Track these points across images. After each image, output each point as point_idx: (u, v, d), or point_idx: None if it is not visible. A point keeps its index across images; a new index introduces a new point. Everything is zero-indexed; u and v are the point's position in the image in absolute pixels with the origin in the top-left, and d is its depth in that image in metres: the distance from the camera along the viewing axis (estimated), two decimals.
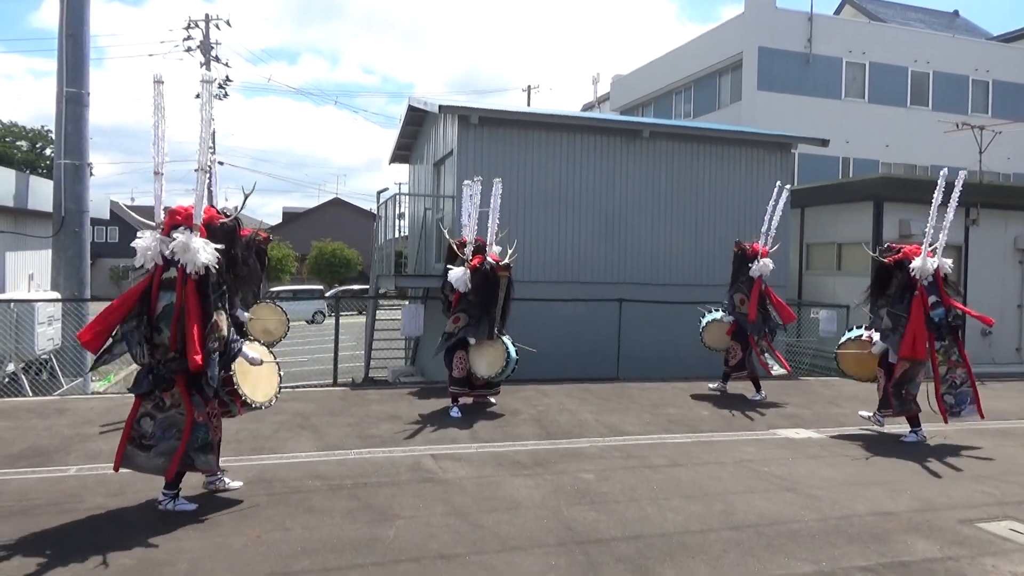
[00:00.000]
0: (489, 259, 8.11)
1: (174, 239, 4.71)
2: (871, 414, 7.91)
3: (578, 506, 5.11)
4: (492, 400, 8.60)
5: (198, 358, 4.56)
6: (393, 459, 6.26)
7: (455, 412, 8.09)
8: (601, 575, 3.98)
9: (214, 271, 4.79)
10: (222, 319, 4.87)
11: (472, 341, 8.06)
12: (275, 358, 5.65)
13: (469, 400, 8.46)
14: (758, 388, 9.67)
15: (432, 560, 4.11)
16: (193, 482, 5.29)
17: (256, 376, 5.31)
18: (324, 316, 31.81)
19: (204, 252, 4.73)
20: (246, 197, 5.33)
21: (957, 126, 15.38)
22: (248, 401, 5.18)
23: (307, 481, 5.54)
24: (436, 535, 4.49)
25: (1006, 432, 8.17)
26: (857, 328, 8.27)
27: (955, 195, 7.49)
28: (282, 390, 5.71)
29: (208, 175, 5.04)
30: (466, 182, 8.91)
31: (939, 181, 7.55)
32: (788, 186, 10.19)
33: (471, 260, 8.12)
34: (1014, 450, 7.29)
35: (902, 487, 5.82)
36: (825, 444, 7.30)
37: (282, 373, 5.72)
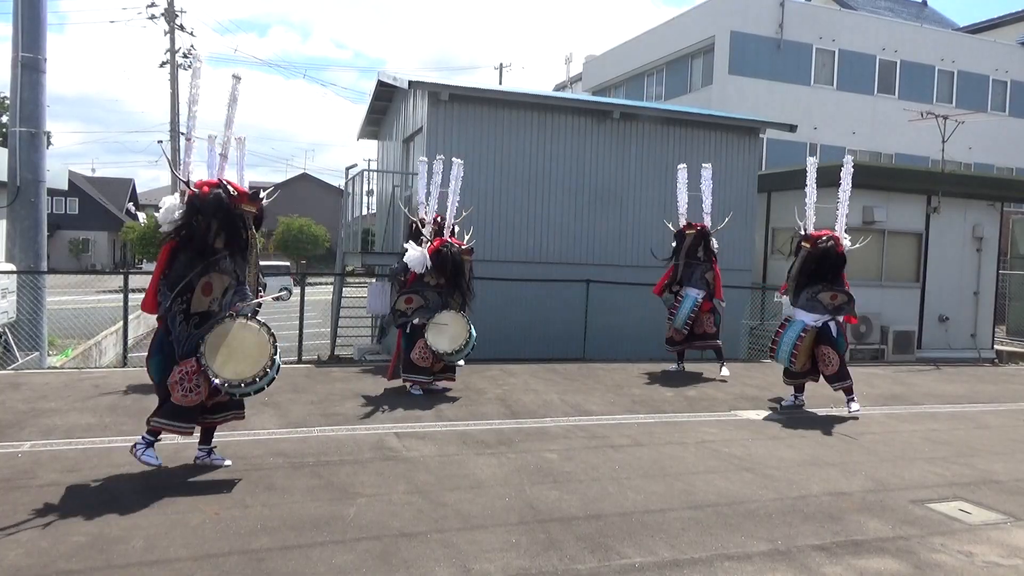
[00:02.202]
0: (451, 242, 8.05)
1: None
2: (849, 405, 7.94)
3: (541, 485, 5.14)
4: (448, 385, 8.26)
5: (145, 306, 5.00)
6: (356, 437, 6.23)
7: (416, 390, 8.02)
8: (562, 553, 4.01)
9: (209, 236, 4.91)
10: (215, 284, 4.98)
11: (418, 322, 7.89)
12: (270, 337, 4.98)
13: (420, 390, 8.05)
14: (721, 360, 10.03)
15: (393, 538, 4.10)
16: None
17: (234, 350, 4.89)
18: (290, 293, 31.41)
19: (168, 212, 4.95)
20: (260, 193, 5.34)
21: (922, 115, 15.62)
22: (210, 372, 4.77)
23: (268, 458, 5.49)
24: (398, 513, 4.48)
25: (957, 416, 8.40)
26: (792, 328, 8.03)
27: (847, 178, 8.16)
28: (269, 378, 4.93)
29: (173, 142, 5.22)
30: (421, 158, 8.82)
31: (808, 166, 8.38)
32: (708, 164, 10.17)
33: (431, 242, 8.05)
34: (965, 433, 7.50)
35: (856, 468, 5.96)
36: (784, 425, 7.43)
37: (275, 359, 4.93)
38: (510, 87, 20.10)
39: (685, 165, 10.21)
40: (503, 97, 12.22)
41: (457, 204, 8.48)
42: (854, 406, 7.91)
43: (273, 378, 5.01)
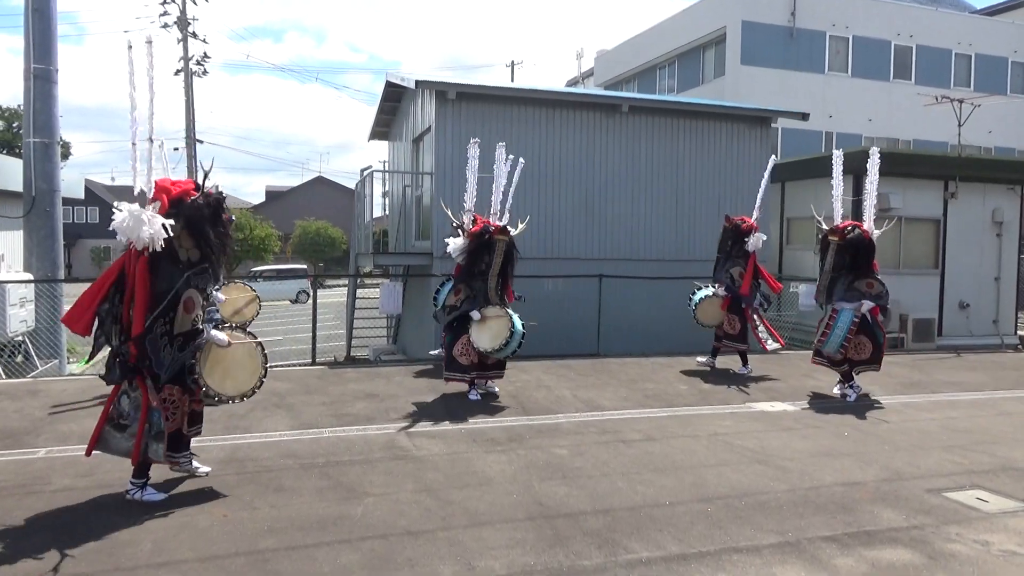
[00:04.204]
0: (490, 225, 7.77)
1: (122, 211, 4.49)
2: (842, 387, 8.27)
3: (550, 481, 5.12)
4: (496, 388, 8.06)
5: (132, 346, 4.48)
6: (367, 437, 6.25)
7: (475, 394, 7.74)
8: (568, 549, 3.99)
9: (179, 247, 4.59)
10: (196, 300, 4.67)
11: (476, 316, 7.57)
12: (260, 346, 4.95)
13: (465, 385, 7.88)
14: (745, 362, 9.73)
15: (399, 537, 4.10)
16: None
17: (230, 365, 4.79)
18: (308, 295, 31.63)
19: (148, 226, 4.43)
20: (206, 174, 4.95)
21: (937, 99, 15.37)
22: (211, 393, 4.69)
23: (279, 460, 5.52)
24: (405, 512, 4.48)
25: (978, 403, 8.26)
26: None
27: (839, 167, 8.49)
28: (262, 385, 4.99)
29: (152, 145, 4.76)
30: (500, 145, 8.28)
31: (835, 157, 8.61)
32: (774, 157, 10.30)
33: (471, 228, 7.78)
34: (985, 420, 7.37)
35: (872, 457, 5.87)
36: (799, 416, 7.35)
37: (267, 365, 5.02)
38: (517, 83, 20.06)
39: (775, 156, 10.18)
40: (511, 94, 12.19)
41: (502, 191, 8.15)
42: (851, 394, 8.13)
43: (263, 383, 4.99)
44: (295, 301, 31.86)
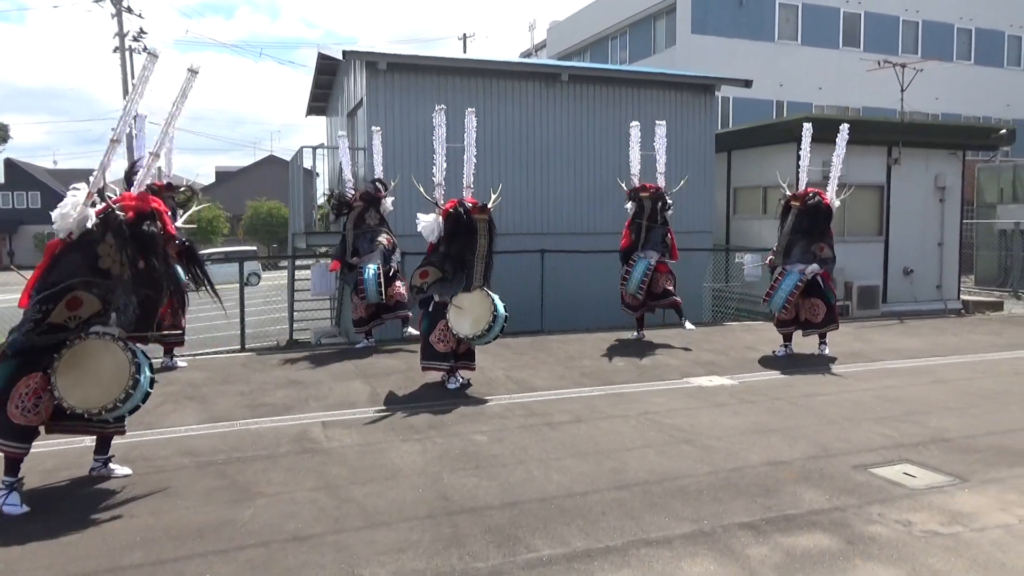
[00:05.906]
0: (466, 202, 7.20)
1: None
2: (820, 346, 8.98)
3: (461, 471, 4.82)
4: (467, 374, 7.44)
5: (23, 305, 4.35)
6: (278, 429, 5.89)
7: (453, 383, 7.16)
8: (464, 549, 3.70)
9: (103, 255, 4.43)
10: (85, 302, 4.35)
11: (457, 305, 6.94)
12: (134, 367, 4.34)
13: (440, 375, 7.27)
14: (682, 314, 9.95)
15: (283, 543, 3.77)
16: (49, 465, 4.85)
17: (87, 374, 4.28)
18: (259, 278, 30.92)
19: (69, 216, 4.44)
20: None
21: (879, 64, 15.27)
22: (55, 394, 4.20)
23: (175, 459, 5.14)
24: (297, 514, 4.15)
25: (915, 371, 8.16)
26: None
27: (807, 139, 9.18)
28: (132, 404, 4.45)
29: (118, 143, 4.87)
30: (438, 108, 7.85)
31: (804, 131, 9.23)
32: (663, 122, 10.26)
33: (444, 204, 7.19)
34: (921, 389, 7.26)
35: (801, 433, 5.69)
36: (735, 391, 7.16)
37: (131, 389, 4.33)
38: (453, 54, 19.51)
39: (638, 123, 10.01)
40: (444, 64, 11.73)
41: (474, 161, 7.76)
42: (827, 349, 8.90)
43: (138, 405, 4.54)
44: (246, 284, 31.12)
